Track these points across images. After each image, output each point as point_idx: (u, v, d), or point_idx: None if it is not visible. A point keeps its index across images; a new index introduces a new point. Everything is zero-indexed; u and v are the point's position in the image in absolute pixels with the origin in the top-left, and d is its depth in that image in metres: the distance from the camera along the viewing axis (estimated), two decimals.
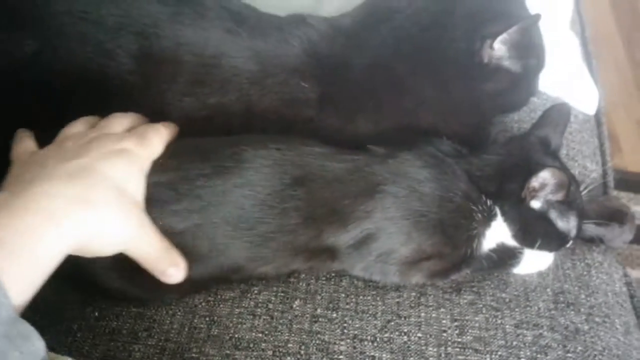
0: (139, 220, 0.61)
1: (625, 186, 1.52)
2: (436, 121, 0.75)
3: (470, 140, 0.74)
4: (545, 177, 0.65)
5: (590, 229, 0.77)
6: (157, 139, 0.66)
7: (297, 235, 0.66)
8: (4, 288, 0.45)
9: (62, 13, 0.72)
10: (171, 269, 0.63)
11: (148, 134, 0.66)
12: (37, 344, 0.46)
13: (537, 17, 0.72)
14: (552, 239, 0.70)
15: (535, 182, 0.66)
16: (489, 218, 0.68)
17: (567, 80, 0.89)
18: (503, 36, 0.71)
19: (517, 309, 0.71)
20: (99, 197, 0.57)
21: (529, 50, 0.75)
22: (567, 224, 0.69)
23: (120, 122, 0.67)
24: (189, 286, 0.66)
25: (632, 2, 2.11)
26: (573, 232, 0.70)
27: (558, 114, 0.75)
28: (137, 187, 0.62)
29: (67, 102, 0.72)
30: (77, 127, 0.66)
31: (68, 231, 0.54)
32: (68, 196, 0.55)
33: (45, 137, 0.65)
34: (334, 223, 0.66)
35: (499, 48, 0.72)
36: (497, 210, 0.68)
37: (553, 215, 0.68)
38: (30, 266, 0.51)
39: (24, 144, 0.65)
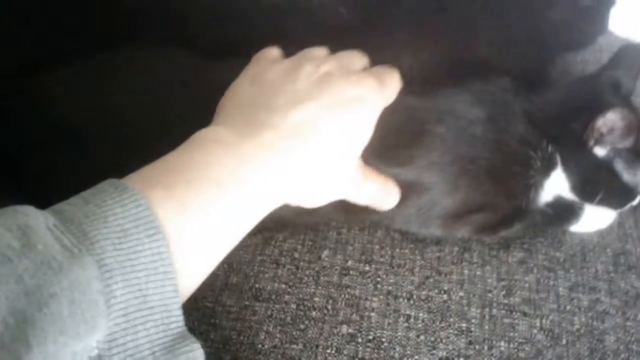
0: (358, 169, 0.56)
1: None
2: (491, 54, 0.67)
3: (528, 80, 0.66)
4: (612, 118, 0.58)
5: None
6: (394, 86, 0.58)
7: None
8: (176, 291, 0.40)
9: None
10: (388, 198, 0.59)
11: (386, 78, 0.57)
12: None
13: None
14: (615, 193, 0.62)
15: (601, 122, 0.58)
16: (548, 167, 0.60)
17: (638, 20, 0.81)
18: None
19: (572, 270, 0.64)
20: (321, 156, 0.52)
21: None
22: (634, 177, 0.61)
23: (360, 60, 0.60)
24: None
25: None
26: None
27: (632, 54, 0.67)
28: (364, 138, 0.55)
29: (83, 27, 0.66)
30: (318, 52, 0.59)
31: (282, 188, 0.50)
32: (288, 152, 0.50)
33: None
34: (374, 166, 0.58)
35: None
36: (558, 158, 0.60)
37: (619, 165, 0.61)
38: (232, 219, 0.46)
39: (270, 51, 0.60)
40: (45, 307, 0.34)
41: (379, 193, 0.58)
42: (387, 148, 0.58)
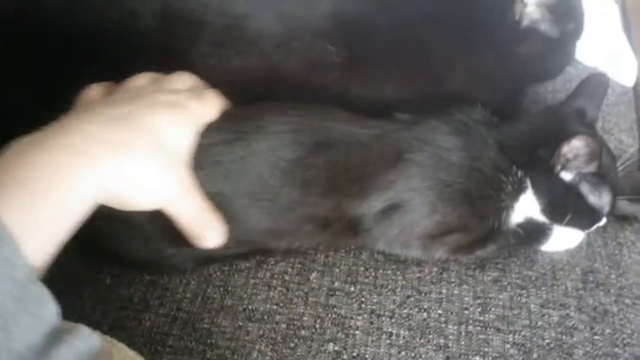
0: (181, 177, 0.58)
1: None
2: (466, 88, 0.71)
3: (500, 109, 0.70)
4: (577, 145, 0.62)
5: (624, 205, 0.73)
6: (214, 102, 0.63)
7: (317, 207, 0.63)
8: (17, 246, 0.42)
9: None
10: (210, 232, 0.60)
11: (206, 94, 0.63)
12: (51, 309, 0.43)
13: None
14: (583, 215, 0.66)
15: (566, 148, 0.62)
16: (518, 190, 0.65)
17: (605, 49, 0.85)
18: None
19: (543, 288, 0.68)
20: (140, 145, 0.54)
21: (567, 14, 0.71)
22: (599, 199, 0.66)
23: (183, 80, 0.64)
24: (206, 256, 0.65)
25: None
26: (606, 209, 0.66)
27: (596, 84, 0.72)
28: (184, 144, 0.58)
29: (86, 60, 0.69)
30: (139, 80, 0.63)
31: (102, 175, 0.51)
32: (106, 140, 0.52)
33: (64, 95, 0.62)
34: (355, 193, 0.63)
35: (533, 10, 0.68)
36: (528, 183, 0.65)
37: (585, 188, 0.65)
38: (57, 211, 0.47)
39: (90, 91, 0.62)
40: None
41: (196, 219, 0.60)
42: (368, 175, 0.63)
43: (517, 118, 0.70)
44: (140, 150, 0.54)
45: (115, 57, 0.69)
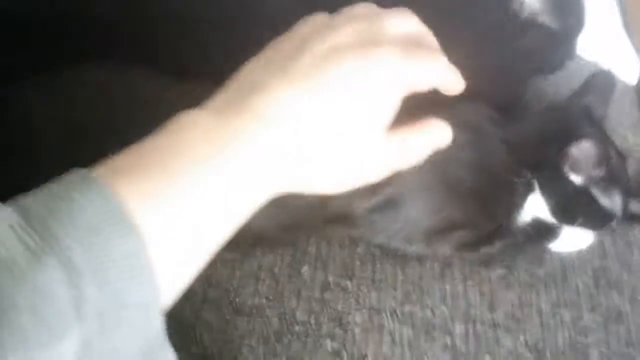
0: (389, 144, 0.45)
1: None
2: (467, 81, 0.67)
3: (502, 103, 0.67)
4: (585, 147, 0.59)
5: (632, 205, 0.69)
6: (429, 63, 0.46)
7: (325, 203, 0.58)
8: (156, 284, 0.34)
9: None
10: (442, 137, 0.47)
11: (424, 53, 0.45)
12: None
13: None
14: (595, 216, 0.62)
15: (574, 151, 0.59)
16: (527, 191, 0.61)
17: (607, 46, 0.82)
18: None
19: (553, 287, 0.64)
20: (320, 153, 0.42)
21: (567, 8, 0.69)
22: (611, 201, 0.62)
23: (404, 24, 0.47)
24: None
25: None
26: (618, 210, 0.62)
27: (602, 81, 0.69)
28: (381, 116, 0.44)
29: (50, 43, 0.65)
30: (358, 10, 0.47)
31: (269, 191, 0.42)
32: (282, 149, 0.41)
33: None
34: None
35: (534, 1, 0.65)
36: (536, 183, 0.61)
37: (595, 191, 0.61)
38: (213, 219, 0.38)
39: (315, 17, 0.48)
40: (5, 318, 0.31)
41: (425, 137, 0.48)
42: None
43: (522, 115, 0.66)
44: (317, 150, 0.43)
45: (81, 40, 0.65)
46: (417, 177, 0.59)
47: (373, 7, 0.47)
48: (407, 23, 0.47)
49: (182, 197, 0.37)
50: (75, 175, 0.36)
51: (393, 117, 0.43)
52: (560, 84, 0.78)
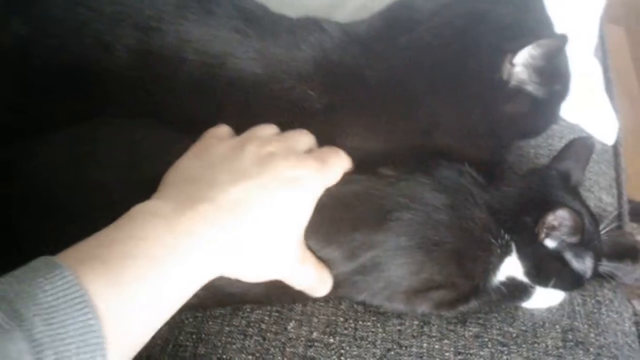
0: (297, 257, 0.59)
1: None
2: (451, 142, 0.70)
3: (485, 164, 0.70)
4: (561, 216, 0.62)
5: (603, 265, 0.73)
6: (339, 168, 0.62)
7: None
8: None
9: None
10: (321, 286, 0.62)
11: (330, 159, 0.61)
12: None
13: (564, 39, 0.67)
14: (566, 279, 0.66)
15: (551, 219, 0.62)
16: (505, 253, 0.64)
17: (588, 108, 0.86)
18: (525, 58, 0.66)
19: (524, 345, 0.67)
20: (258, 245, 0.55)
21: (554, 76, 0.71)
22: (583, 265, 0.65)
23: (305, 140, 0.63)
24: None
25: None
26: (589, 273, 0.66)
27: (581, 147, 0.72)
28: (304, 220, 0.58)
29: (57, 96, 0.67)
30: (265, 130, 0.62)
31: (217, 260, 0.53)
32: (226, 243, 0.52)
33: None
34: (342, 251, 0.62)
35: (521, 71, 0.68)
36: (513, 246, 0.64)
37: (568, 255, 0.64)
38: (159, 298, 0.48)
39: (219, 129, 0.62)
40: None
41: (314, 280, 0.61)
42: (352, 234, 0.62)
43: (503, 178, 0.69)
44: (254, 239, 0.54)
45: (90, 94, 0.67)
46: (397, 240, 0.62)
47: (273, 128, 0.64)
48: (309, 139, 0.63)
49: (138, 283, 0.45)
50: (39, 262, 0.43)
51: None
52: (540, 145, 0.82)
